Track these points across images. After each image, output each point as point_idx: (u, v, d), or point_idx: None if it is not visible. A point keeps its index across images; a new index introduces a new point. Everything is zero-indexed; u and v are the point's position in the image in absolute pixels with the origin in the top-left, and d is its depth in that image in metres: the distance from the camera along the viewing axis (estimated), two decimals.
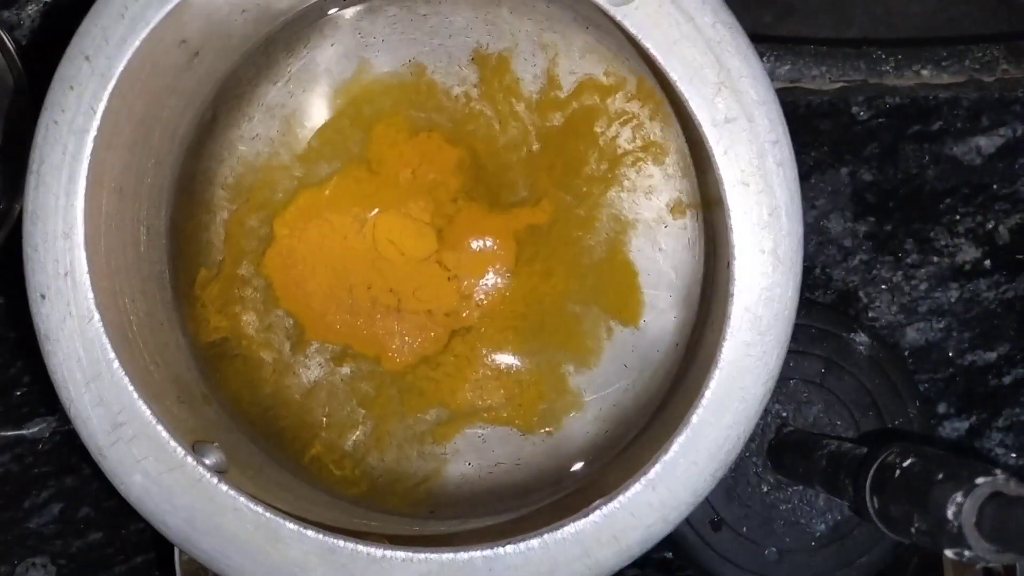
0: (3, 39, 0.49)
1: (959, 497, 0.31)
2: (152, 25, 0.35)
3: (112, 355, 0.34)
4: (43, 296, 0.34)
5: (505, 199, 0.43)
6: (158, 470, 0.34)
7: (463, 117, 0.43)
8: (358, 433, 0.43)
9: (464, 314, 0.43)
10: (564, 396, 0.43)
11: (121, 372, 0.34)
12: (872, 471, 0.37)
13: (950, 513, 0.31)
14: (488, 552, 0.34)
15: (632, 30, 0.35)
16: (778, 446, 0.48)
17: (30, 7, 0.51)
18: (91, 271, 0.34)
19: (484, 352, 0.43)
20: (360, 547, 0.34)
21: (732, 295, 0.35)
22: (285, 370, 0.43)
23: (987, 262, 0.54)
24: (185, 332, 0.42)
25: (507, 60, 0.43)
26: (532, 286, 0.43)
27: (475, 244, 0.43)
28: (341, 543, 0.34)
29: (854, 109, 0.53)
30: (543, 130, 0.43)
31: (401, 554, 0.34)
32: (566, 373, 0.43)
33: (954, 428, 0.54)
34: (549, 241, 0.43)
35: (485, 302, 0.43)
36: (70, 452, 0.52)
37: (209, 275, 0.42)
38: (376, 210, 0.43)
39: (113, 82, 0.34)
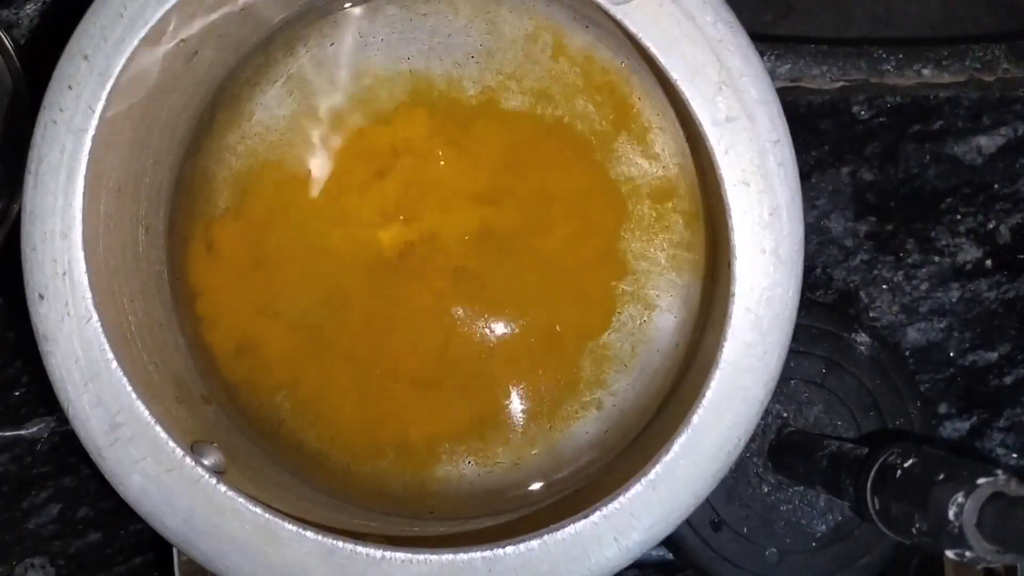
0: (1, 38, 0.49)
1: (960, 498, 0.31)
2: (151, 24, 0.34)
3: (110, 355, 0.34)
4: (41, 296, 0.34)
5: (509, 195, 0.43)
6: (157, 471, 0.34)
7: (463, 116, 0.43)
8: (357, 431, 0.43)
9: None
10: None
11: (119, 372, 0.34)
12: (873, 471, 0.36)
13: (951, 514, 0.31)
14: (488, 553, 0.34)
15: (632, 29, 0.35)
16: (779, 447, 0.48)
17: (28, 6, 0.51)
18: (89, 271, 0.34)
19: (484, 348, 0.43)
20: (360, 548, 0.34)
21: (733, 295, 0.35)
22: (289, 359, 0.43)
23: (988, 262, 0.54)
24: (184, 332, 0.42)
25: (507, 58, 0.43)
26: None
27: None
28: (340, 544, 0.34)
29: (855, 108, 0.53)
30: (544, 128, 0.43)
31: (401, 555, 0.34)
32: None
33: (955, 428, 0.54)
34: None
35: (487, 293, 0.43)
36: (69, 452, 0.52)
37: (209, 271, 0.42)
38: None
39: (112, 81, 0.34)
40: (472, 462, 0.43)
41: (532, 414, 0.43)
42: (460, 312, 0.43)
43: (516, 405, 0.43)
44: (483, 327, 0.43)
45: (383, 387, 0.43)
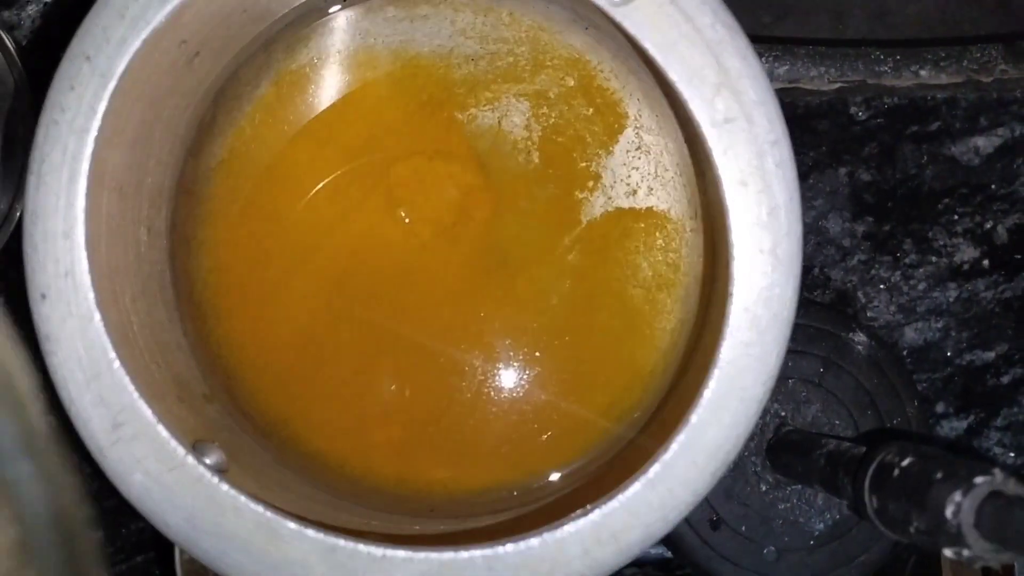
0: (3, 39, 0.49)
1: (958, 496, 0.31)
2: (153, 25, 0.34)
3: (113, 355, 0.34)
4: (43, 296, 0.34)
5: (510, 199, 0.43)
6: (158, 469, 0.34)
7: (464, 118, 0.43)
8: (358, 433, 0.43)
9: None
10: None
11: (122, 372, 0.34)
12: (871, 470, 0.36)
13: (949, 512, 0.31)
14: (488, 551, 0.34)
15: (631, 30, 0.35)
16: (777, 445, 0.48)
17: (30, 7, 0.51)
18: (92, 271, 0.34)
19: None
20: (361, 546, 0.34)
21: (731, 295, 0.35)
22: (289, 359, 0.43)
23: (985, 262, 0.54)
24: (185, 332, 0.42)
25: (507, 61, 0.43)
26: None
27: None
28: (342, 542, 0.34)
29: (852, 109, 0.53)
30: (545, 129, 0.43)
31: (401, 553, 0.34)
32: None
33: (952, 427, 0.54)
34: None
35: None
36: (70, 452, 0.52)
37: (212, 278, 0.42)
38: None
39: (114, 82, 0.34)
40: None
41: (535, 418, 0.43)
42: (462, 317, 0.43)
43: (519, 410, 0.43)
44: (485, 332, 0.43)
45: (385, 392, 0.43)
